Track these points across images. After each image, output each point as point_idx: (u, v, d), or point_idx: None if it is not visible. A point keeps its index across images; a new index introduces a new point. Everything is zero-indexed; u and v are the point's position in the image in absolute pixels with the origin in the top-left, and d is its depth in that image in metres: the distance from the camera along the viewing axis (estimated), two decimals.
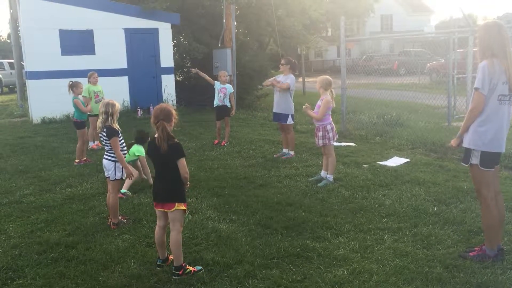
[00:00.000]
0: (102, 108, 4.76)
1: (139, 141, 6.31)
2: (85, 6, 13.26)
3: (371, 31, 43.61)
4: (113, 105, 4.77)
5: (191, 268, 3.79)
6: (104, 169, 4.96)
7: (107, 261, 4.05)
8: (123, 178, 4.95)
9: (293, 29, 18.72)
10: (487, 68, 3.65)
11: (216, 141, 9.27)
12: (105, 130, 4.76)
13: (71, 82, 8.16)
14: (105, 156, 4.93)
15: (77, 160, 7.82)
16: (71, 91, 8.07)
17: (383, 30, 48.17)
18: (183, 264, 3.76)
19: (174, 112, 3.77)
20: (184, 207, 3.76)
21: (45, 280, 3.74)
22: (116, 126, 4.82)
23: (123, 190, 6.01)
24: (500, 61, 3.65)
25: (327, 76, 6.39)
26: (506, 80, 3.64)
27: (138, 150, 6.25)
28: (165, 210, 3.76)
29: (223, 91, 9.14)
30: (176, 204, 3.71)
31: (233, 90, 9.38)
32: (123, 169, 4.89)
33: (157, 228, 3.90)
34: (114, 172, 4.86)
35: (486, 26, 3.79)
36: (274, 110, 8.05)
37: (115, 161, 4.85)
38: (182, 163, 3.70)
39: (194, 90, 16.04)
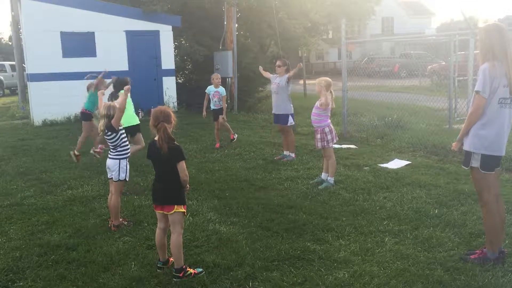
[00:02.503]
0: (104, 111, 4.76)
1: (118, 88, 6.08)
2: (86, 8, 13.30)
3: (372, 34, 43.66)
4: (114, 108, 4.78)
5: (191, 270, 3.79)
6: (108, 170, 4.96)
7: (108, 263, 4.04)
8: (127, 179, 4.95)
9: (294, 31, 18.76)
10: (487, 71, 3.64)
11: (218, 145, 9.26)
12: (106, 130, 4.77)
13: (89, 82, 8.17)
14: (109, 155, 4.93)
15: (77, 153, 7.79)
16: (92, 89, 7.99)
17: (384, 32, 48.19)
18: (184, 267, 3.76)
19: (173, 114, 3.79)
20: (183, 210, 3.77)
21: (45, 282, 3.74)
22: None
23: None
24: (501, 64, 3.64)
25: (327, 78, 6.38)
26: (506, 83, 3.64)
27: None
28: (165, 212, 3.76)
29: (217, 95, 9.15)
30: (176, 206, 3.71)
31: (225, 94, 9.36)
32: (127, 169, 4.91)
33: (157, 230, 3.90)
34: (118, 172, 4.85)
35: (487, 28, 3.78)
36: (274, 112, 8.07)
37: (119, 159, 4.86)
38: (182, 166, 3.70)
39: (195, 92, 16.04)
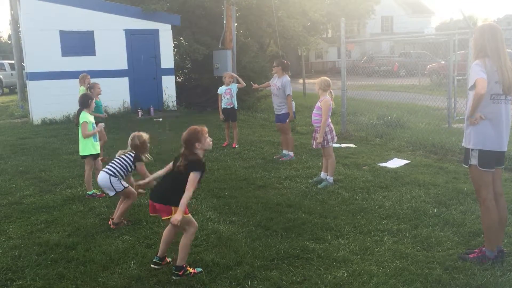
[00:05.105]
0: (130, 141, 4.86)
1: (83, 105, 6.04)
2: (85, 7, 13.29)
3: (372, 33, 43.60)
4: (140, 137, 4.84)
5: (191, 270, 3.78)
6: (104, 190, 5.00)
7: (107, 262, 4.04)
8: (125, 186, 4.92)
9: (293, 30, 18.74)
10: (479, 65, 3.67)
11: (226, 143, 9.28)
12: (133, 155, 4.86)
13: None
14: (103, 169, 4.93)
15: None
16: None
17: (384, 31, 48.19)
18: (184, 265, 3.76)
19: (200, 129, 3.67)
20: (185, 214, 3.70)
21: (44, 281, 3.74)
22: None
23: (89, 191, 6.00)
24: (493, 61, 3.67)
25: (326, 78, 6.40)
26: (498, 79, 3.67)
27: (84, 116, 5.97)
28: (163, 218, 3.74)
29: (229, 93, 9.11)
30: (173, 209, 3.62)
31: (237, 89, 9.29)
32: (119, 180, 4.87)
33: (169, 226, 3.84)
34: (112, 188, 4.84)
35: (481, 28, 3.84)
36: (276, 112, 8.07)
37: (110, 175, 4.81)
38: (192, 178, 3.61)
39: (194, 91, 16.06)
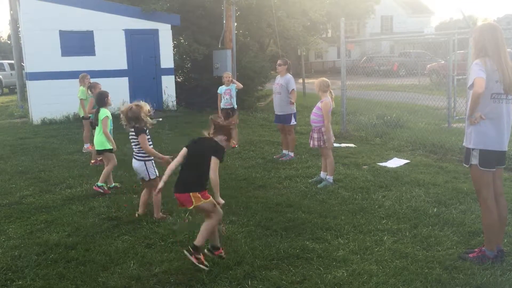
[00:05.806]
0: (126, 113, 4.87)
1: (101, 103, 6.20)
2: (85, 7, 13.29)
3: (371, 32, 43.64)
4: (138, 107, 4.88)
5: (202, 259, 3.82)
6: (136, 172, 5.10)
7: (107, 262, 4.04)
8: (157, 174, 5.04)
9: (293, 30, 18.76)
10: (479, 65, 3.67)
11: None
12: (133, 130, 4.93)
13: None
14: (134, 156, 5.07)
15: (92, 161, 7.80)
16: (89, 92, 8.13)
17: (383, 31, 48.20)
18: (199, 246, 3.79)
19: (235, 133, 4.09)
20: (203, 200, 3.80)
21: (44, 281, 3.74)
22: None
23: (100, 183, 6.04)
24: (493, 60, 3.67)
25: (324, 78, 6.41)
26: (498, 78, 3.66)
27: (104, 112, 6.14)
28: (186, 206, 3.91)
29: (228, 93, 9.12)
30: (191, 195, 3.76)
31: (237, 89, 9.36)
32: (153, 166, 5.04)
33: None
34: (147, 173, 5.00)
35: (481, 28, 3.83)
36: (277, 112, 8.05)
37: (144, 161, 4.98)
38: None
39: (194, 91, 16.05)
